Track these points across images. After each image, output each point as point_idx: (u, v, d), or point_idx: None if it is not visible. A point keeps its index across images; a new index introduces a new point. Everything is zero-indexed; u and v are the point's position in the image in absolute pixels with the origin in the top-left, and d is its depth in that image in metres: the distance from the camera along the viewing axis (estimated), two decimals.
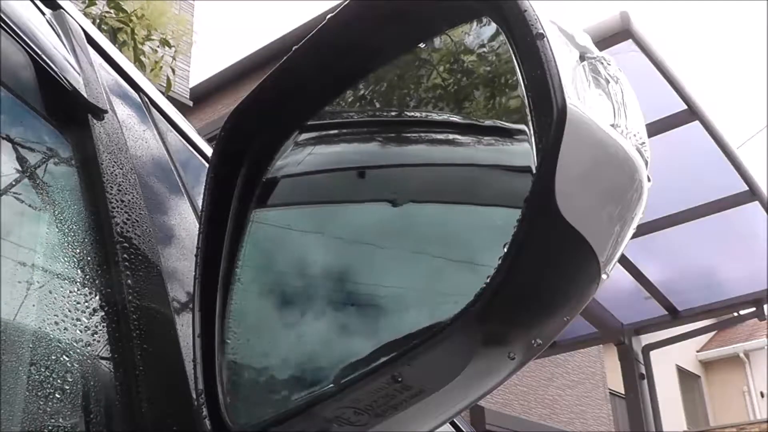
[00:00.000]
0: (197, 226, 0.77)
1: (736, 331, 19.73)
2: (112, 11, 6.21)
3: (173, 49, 7.03)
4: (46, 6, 0.85)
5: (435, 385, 0.51)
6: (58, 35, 0.80)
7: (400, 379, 0.50)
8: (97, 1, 6.23)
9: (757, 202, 5.37)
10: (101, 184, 0.69)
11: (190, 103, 11.06)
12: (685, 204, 5.41)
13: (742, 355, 20.09)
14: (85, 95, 0.73)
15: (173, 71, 7.06)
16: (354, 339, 0.63)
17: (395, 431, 0.53)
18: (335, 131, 0.82)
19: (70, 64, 0.75)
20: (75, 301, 0.61)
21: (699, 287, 6.21)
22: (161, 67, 6.65)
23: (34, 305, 0.58)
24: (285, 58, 0.73)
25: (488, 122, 0.65)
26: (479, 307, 0.47)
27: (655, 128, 4.66)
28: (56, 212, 0.65)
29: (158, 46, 6.78)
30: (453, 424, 1.19)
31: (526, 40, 0.51)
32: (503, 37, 0.57)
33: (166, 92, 6.45)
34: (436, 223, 0.65)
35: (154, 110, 0.98)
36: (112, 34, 5.88)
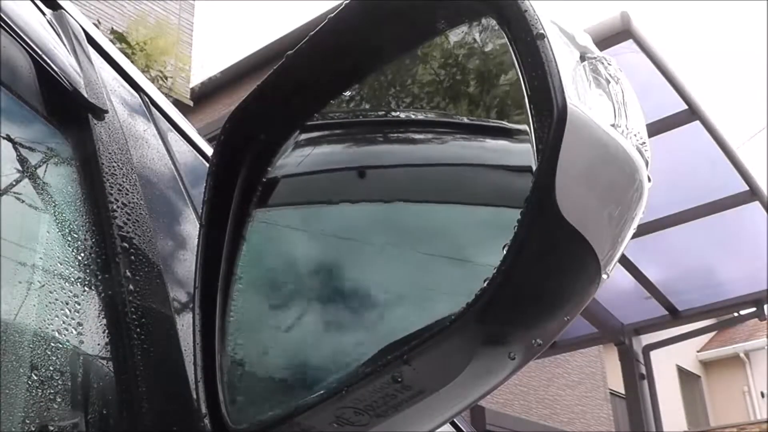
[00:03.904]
0: (197, 226, 0.77)
1: (737, 331, 19.73)
2: (115, 40, 6.27)
3: (170, 81, 7.12)
4: (47, 6, 0.85)
5: (435, 385, 0.51)
6: (59, 35, 0.80)
7: (400, 380, 0.50)
8: (99, 28, 6.28)
9: (757, 202, 5.37)
10: (101, 184, 0.69)
11: (191, 103, 11.06)
12: (685, 204, 5.41)
13: (742, 355, 20.09)
14: (86, 95, 0.73)
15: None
16: (354, 339, 0.63)
17: (396, 431, 0.53)
18: (335, 131, 0.82)
19: (70, 64, 0.75)
20: (75, 301, 0.61)
21: (699, 287, 6.21)
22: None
23: (34, 305, 0.58)
24: (285, 58, 0.73)
25: (488, 122, 0.65)
26: (479, 307, 0.47)
27: (655, 128, 4.66)
28: (56, 212, 0.65)
29: (156, 76, 6.86)
30: (453, 424, 1.19)
31: (526, 40, 0.51)
32: (504, 37, 0.57)
33: None
34: (437, 223, 0.65)
35: (154, 110, 0.98)
36: None
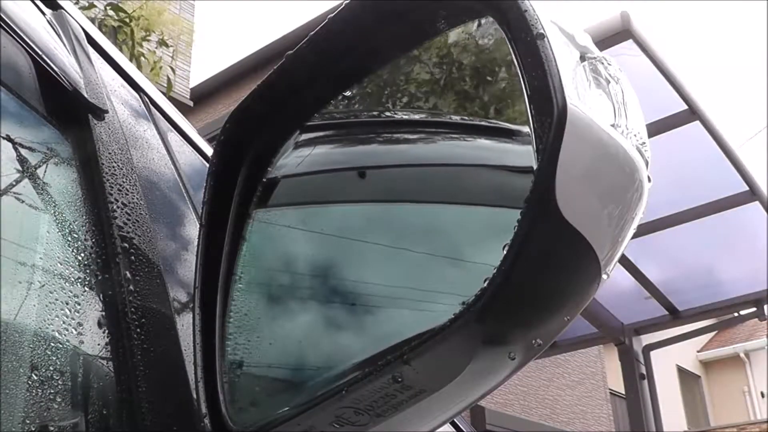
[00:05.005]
0: (197, 226, 0.77)
1: (737, 331, 19.74)
2: (111, 12, 6.24)
3: (171, 48, 7.06)
4: (47, 6, 0.85)
5: (435, 385, 0.51)
6: (59, 35, 0.80)
7: (400, 380, 0.50)
8: (96, 4, 6.26)
9: (757, 202, 5.37)
10: (102, 184, 0.69)
11: (191, 103, 11.06)
12: (685, 204, 5.41)
13: (742, 355, 20.09)
14: (86, 95, 0.73)
15: (173, 71, 7.07)
16: (355, 339, 0.63)
17: (395, 431, 0.53)
18: (335, 131, 0.82)
19: (70, 64, 0.75)
20: (75, 301, 0.61)
21: (699, 287, 6.21)
22: (161, 67, 6.68)
23: (34, 305, 0.58)
24: (285, 58, 0.73)
25: (488, 123, 0.65)
26: (480, 307, 0.47)
27: (655, 128, 4.66)
28: (56, 212, 0.65)
29: (156, 47, 6.82)
30: (453, 424, 1.20)
31: (526, 41, 0.51)
32: (504, 38, 0.57)
33: (167, 93, 6.46)
34: (437, 223, 0.65)
35: (154, 110, 0.98)
36: (113, 35, 5.92)
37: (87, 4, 6.03)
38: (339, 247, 0.71)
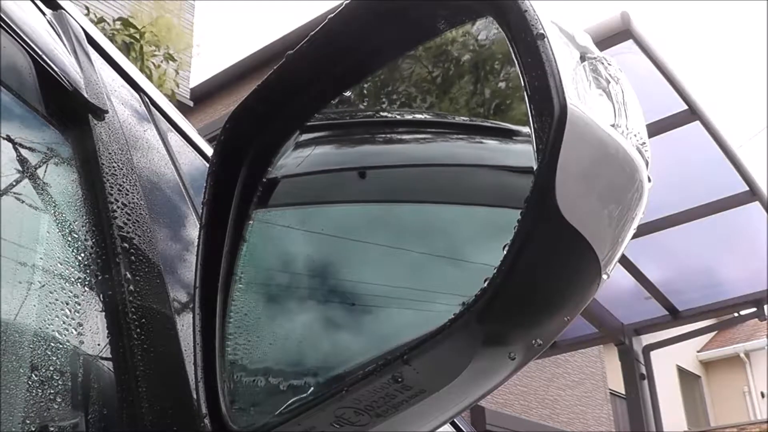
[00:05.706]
0: (198, 226, 0.77)
1: (737, 331, 19.74)
2: (121, 27, 6.29)
3: (176, 63, 7.13)
4: (47, 6, 0.85)
5: (435, 385, 0.51)
6: (59, 35, 0.80)
7: (400, 380, 0.50)
8: (105, 18, 6.31)
9: (757, 202, 5.38)
10: (102, 184, 0.69)
11: (191, 104, 11.07)
12: (685, 204, 5.42)
13: (742, 355, 20.09)
14: (86, 95, 0.73)
15: (177, 85, 7.13)
16: (355, 339, 0.63)
17: (396, 431, 0.53)
18: (336, 132, 0.82)
19: (70, 64, 0.75)
20: (75, 301, 0.61)
21: (699, 287, 6.21)
22: (165, 81, 6.74)
23: (34, 305, 0.58)
24: (285, 58, 0.73)
25: (489, 123, 0.65)
26: (480, 307, 0.47)
27: (655, 128, 4.66)
28: (56, 212, 0.65)
29: (162, 62, 6.87)
30: (453, 424, 1.20)
31: (526, 41, 0.51)
32: (504, 38, 0.57)
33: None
34: (437, 223, 0.65)
35: (154, 110, 0.98)
36: (126, 51, 5.97)
37: (95, 20, 6.07)
38: (339, 247, 0.71)
